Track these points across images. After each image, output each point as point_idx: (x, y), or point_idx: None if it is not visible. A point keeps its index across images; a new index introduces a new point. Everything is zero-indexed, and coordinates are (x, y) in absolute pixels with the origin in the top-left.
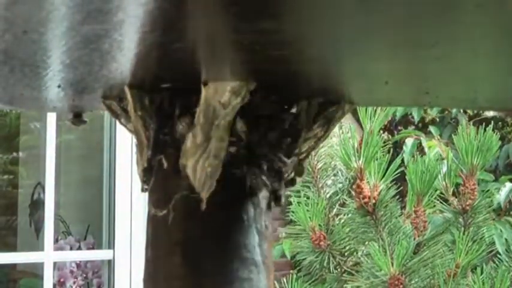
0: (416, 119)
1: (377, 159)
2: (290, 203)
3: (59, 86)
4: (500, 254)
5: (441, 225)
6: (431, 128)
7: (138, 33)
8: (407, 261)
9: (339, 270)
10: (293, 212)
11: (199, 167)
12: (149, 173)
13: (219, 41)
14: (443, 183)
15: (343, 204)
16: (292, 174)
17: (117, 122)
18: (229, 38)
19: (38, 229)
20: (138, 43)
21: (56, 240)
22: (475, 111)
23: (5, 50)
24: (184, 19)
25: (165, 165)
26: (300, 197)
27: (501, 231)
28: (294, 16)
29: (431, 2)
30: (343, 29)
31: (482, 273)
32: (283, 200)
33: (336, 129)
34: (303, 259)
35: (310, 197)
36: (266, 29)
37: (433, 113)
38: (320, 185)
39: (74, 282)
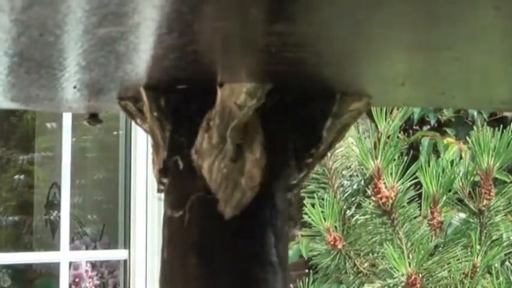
0: (432, 120)
1: (394, 160)
2: (304, 205)
3: (74, 87)
4: None
5: (459, 226)
6: (447, 129)
7: (154, 35)
8: (425, 262)
9: (355, 271)
10: (306, 213)
11: (215, 168)
12: (165, 174)
13: (235, 44)
14: (460, 183)
15: (359, 205)
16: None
17: (133, 123)
18: (245, 40)
19: (54, 229)
20: (154, 45)
21: (72, 240)
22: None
23: (21, 52)
24: (200, 22)
25: (181, 166)
26: (313, 198)
27: None
28: (310, 18)
29: (449, 4)
30: (360, 32)
31: (497, 274)
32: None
33: (352, 130)
34: (319, 261)
35: (325, 198)
36: (282, 32)
37: (448, 113)
38: (336, 186)
39: (90, 282)
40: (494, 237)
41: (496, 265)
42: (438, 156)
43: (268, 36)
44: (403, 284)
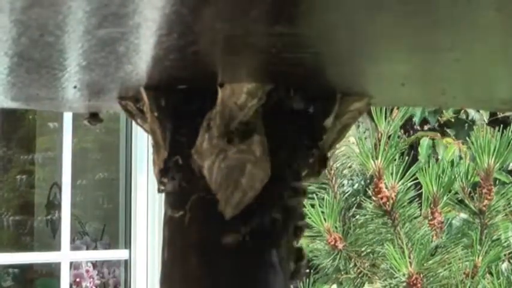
0: (432, 122)
1: (395, 160)
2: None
3: (75, 87)
4: None
5: (459, 226)
6: (447, 130)
7: (155, 36)
8: (426, 262)
9: (356, 271)
10: (306, 214)
11: (216, 168)
12: (165, 174)
13: (235, 45)
14: (460, 183)
15: (359, 206)
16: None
17: (134, 122)
18: (246, 41)
19: (55, 229)
20: (154, 46)
21: (73, 240)
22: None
23: (21, 52)
24: (201, 22)
25: (182, 166)
26: (313, 198)
27: None
28: (310, 20)
29: (449, 5)
30: (360, 33)
31: (498, 274)
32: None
33: (352, 129)
34: (320, 261)
35: (325, 198)
36: (282, 33)
37: (448, 114)
38: (336, 186)
39: (90, 282)
40: (494, 237)
41: (497, 265)
42: (437, 159)
43: (269, 37)
44: (404, 284)
